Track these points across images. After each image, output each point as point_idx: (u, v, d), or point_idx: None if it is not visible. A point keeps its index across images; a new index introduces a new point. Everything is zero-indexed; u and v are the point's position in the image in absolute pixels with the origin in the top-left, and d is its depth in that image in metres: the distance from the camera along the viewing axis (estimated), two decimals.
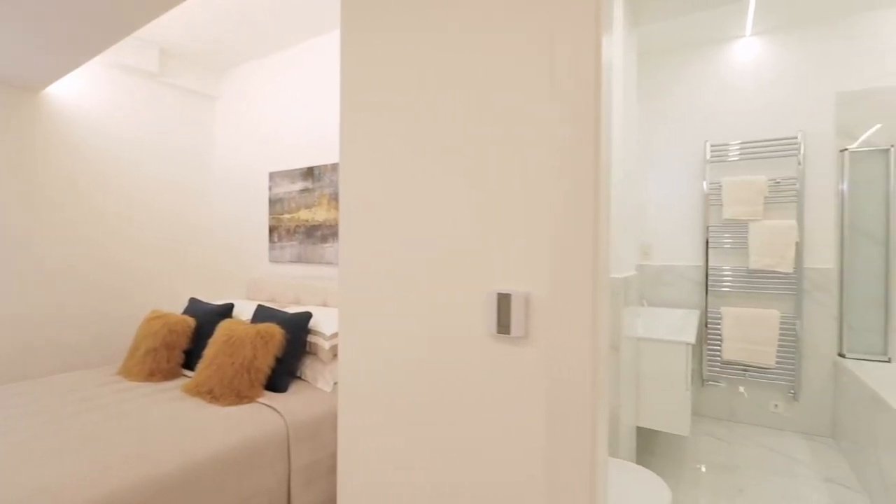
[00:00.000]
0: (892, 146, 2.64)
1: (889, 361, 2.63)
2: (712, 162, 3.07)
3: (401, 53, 0.92)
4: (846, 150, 2.73)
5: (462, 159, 0.84)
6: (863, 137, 2.71)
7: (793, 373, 2.85)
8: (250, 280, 2.93)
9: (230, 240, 3.24)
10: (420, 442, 0.90)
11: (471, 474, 0.83)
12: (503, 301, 0.77)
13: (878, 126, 2.67)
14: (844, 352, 2.73)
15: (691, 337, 2.11)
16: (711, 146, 3.07)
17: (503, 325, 0.77)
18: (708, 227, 3.08)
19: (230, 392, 1.74)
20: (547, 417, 0.75)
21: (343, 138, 1.01)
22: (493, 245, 0.81)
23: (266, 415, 1.65)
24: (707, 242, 3.08)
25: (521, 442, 0.78)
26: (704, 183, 3.08)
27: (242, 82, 3.21)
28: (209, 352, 1.88)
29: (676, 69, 3.25)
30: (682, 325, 2.51)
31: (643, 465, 2.41)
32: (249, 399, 1.75)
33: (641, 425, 2.17)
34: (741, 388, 3.01)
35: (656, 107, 3.30)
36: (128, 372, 2.10)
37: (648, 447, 2.63)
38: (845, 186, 2.74)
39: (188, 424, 1.53)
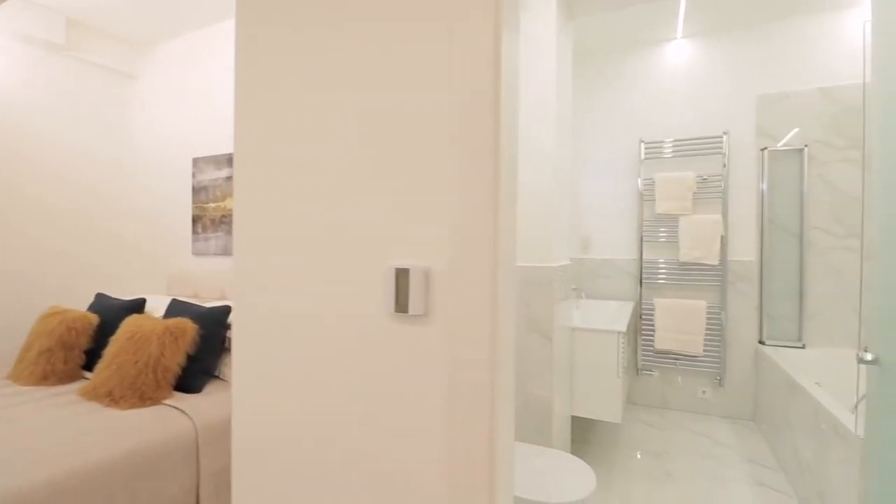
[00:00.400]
0: (806, 146, 2.83)
1: (803, 347, 2.82)
2: (647, 159, 3.17)
3: (295, 39, 0.83)
4: (766, 149, 2.90)
5: (359, 139, 0.77)
6: (785, 139, 2.88)
7: (718, 360, 2.99)
8: (171, 274, 2.70)
9: (150, 231, 2.99)
10: (318, 430, 0.81)
11: (371, 463, 0.76)
12: (401, 277, 0.70)
13: (796, 130, 2.86)
14: (764, 339, 2.90)
15: (622, 326, 2.14)
16: (646, 144, 3.17)
17: (401, 304, 0.71)
18: (642, 222, 3.18)
19: (132, 394, 1.57)
20: (447, 401, 0.69)
21: (237, 123, 0.91)
22: (392, 220, 0.74)
23: (172, 417, 1.50)
24: (641, 236, 3.18)
25: (422, 425, 0.71)
26: (639, 179, 3.18)
27: (164, 61, 2.97)
28: (110, 350, 1.69)
29: (613, 69, 3.33)
30: (616, 316, 2.56)
31: (579, 453, 2.44)
32: (154, 401, 1.58)
33: (576, 414, 2.18)
34: (679, 379, 3.13)
35: (594, 105, 3.37)
36: (17, 376, 1.86)
37: (585, 436, 2.67)
38: (765, 184, 2.90)
39: (77, 430, 1.36)
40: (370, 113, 0.76)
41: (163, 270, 2.90)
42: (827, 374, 2.66)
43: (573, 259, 3.40)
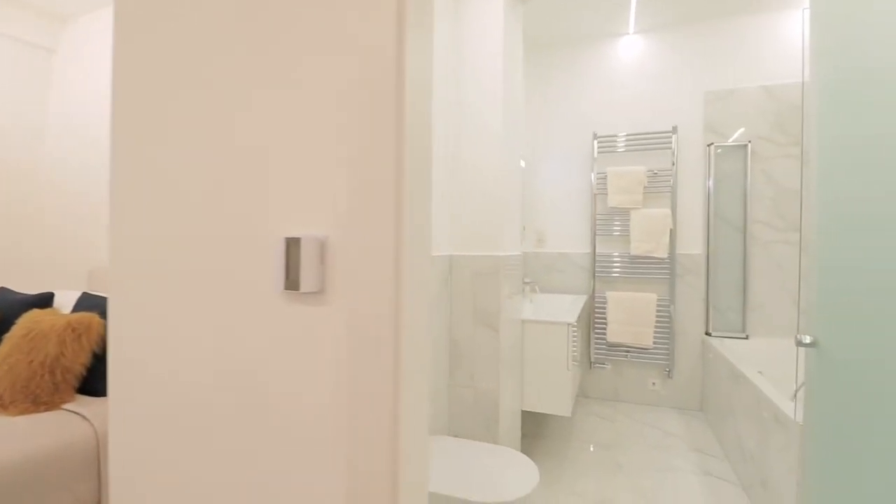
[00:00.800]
0: (750, 142, 2.90)
1: (747, 338, 2.89)
2: (600, 152, 3.18)
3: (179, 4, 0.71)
4: (712, 144, 2.96)
5: (246, 90, 0.66)
6: (731, 138, 2.95)
7: (668, 352, 3.03)
8: (92, 270, 2.46)
9: (68, 219, 2.72)
10: (201, 436, 0.70)
11: (264, 461, 0.65)
12: (292, 249, 0.60)
13: (742, 130, 2.93)
14: (710, 331, 2.96)
15: (573, 317, 2.11)
16: (599, 137, 3.18)
17: (292, 280, 0.60)
18: (595, 216, 3.18)
19: (24, 398, 1.38)
20: (345, 391, 0.59)
21: (114, 85, 0.78)
22: (283, 185, 0.63)
23: (70, 423, 1.32)
24: (594, 230, 3.18)
25: (320, 420, 0.61)
26: (593, 174, 3.18)
27: (86, 35, 2.71)
28: (2, 350, 1.49)
29: (567, 63, 3.32)
30: (568, 309, 2.54)
31: (531, 447, 2.39)
32: (50, 405, 1.40)
33: (527, 409, 2.13)
34: (630, 371, 3.15)
35: (548, 99, 3.35)
36: None
37: (537, 430, 2.63)
38: (711, 179, 2.96)
39: None
40: (256, 65, 0.65)
41: (80, 267, 2.64)
42: (768, 364, 2.73)
43: (528, 253, 3.37)
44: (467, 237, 1.81)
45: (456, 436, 1.79)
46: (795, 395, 2.51)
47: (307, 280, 0.59)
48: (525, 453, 2.33)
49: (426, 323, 0.64)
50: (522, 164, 3.14)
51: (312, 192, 0.61)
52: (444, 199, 1.79)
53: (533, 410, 2.12)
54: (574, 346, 2.33)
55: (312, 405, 0.61)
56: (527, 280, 2.99)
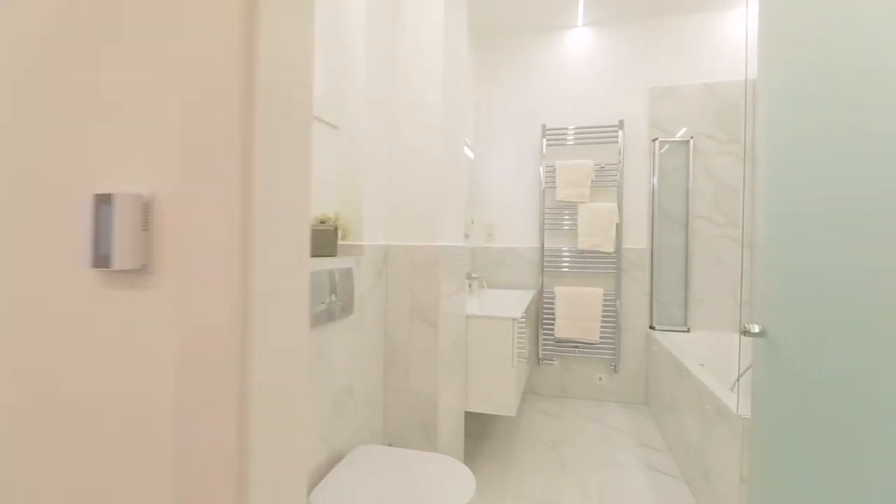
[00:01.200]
0: (692, 139, 2.94)
1: (688, 331, 2.93)
2: (549, 146, 3.13)
3: None
4: (656, 140, 2.97)
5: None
6: (679, 133, 2.97)
7: (614, 347, 3.03)
8: None
9: None
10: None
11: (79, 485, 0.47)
12: (102, 210, 0.43)
13: (684, 129, 2.96)
14: (654, 324, 2.97)
15: (518, 312, 2.01)
16: (548, 130, 3.12)
17: (101, 254, 0.43)
18: (544, 210, 3.12)
19: None
20: (174, 407, 0.43)
21: None
22: (97, 123, 0.46)
23: None
24: (543, 224, 3.12)
25: (143, 440, 0.45)
26: (541, 167, 3.12)
27: None
28: None
29: (516, 53, 3.25)
30: (515, 304, 2.45)
31: (476, 449, 2.28)
32: None
33: (470, 410, 2.01)
34: (577, 367, 3.11)
35: (498, 90, 3.26)
36: None
37: (483, 430, 2.52)
38: (655, 174, 2.98)
39: None
40: None
41: None
42: (709, 357, 2.78)
43: (477, 248, 3.27)
44: (405, 225, 1.67)
45: (391, 443, 1.64)
46: (735, 387, 2.56)
47: (123, 254, 0.43)
48: (469, 456, 2.21)
49: (302, 315, 0.48)
50: (470, 154, 3.03)
51: (136, 132, 0.44)
52: (381, 184, 1.64)
53: (477, 411, 2.01)
54: (521, 343, 2.24)
55: (132, 429, 0.44)
56: (475, 275, 2.89)
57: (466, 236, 3.03)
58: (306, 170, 0.51)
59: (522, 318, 2.22)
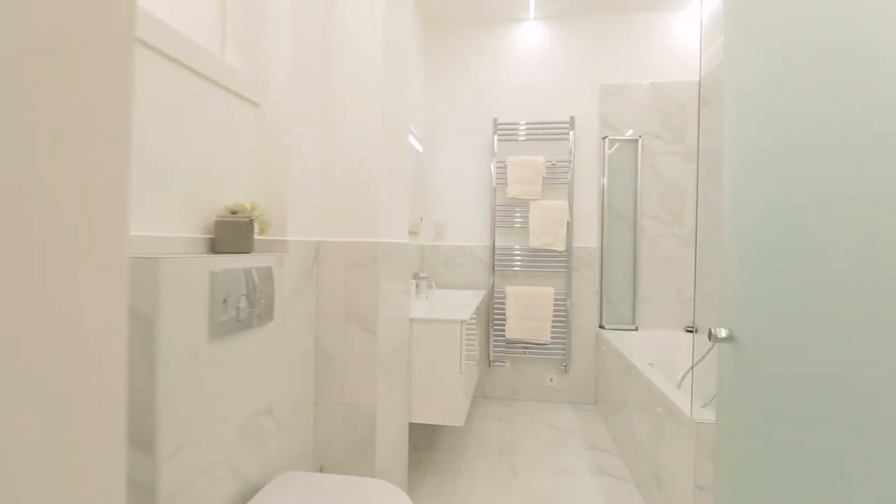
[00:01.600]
0: (640, 137, 2.94)
1: (636, 330, 2.93)
2: (501, 140, 3.03)
3: None
4: (606, 137, 2.95)
5: None
6: (629, 133, 2.96)
7: (564, 347, 2.98)
8: None
9: None
10: None
11: None
12: None
13: (631, 131, 2.95)
14: (604, 323, 2.95)
15: (466, 314, 1.88)
16: (500, 125, 3.02)
17: None
18: (495, 207, 3.02)
19: None
20: None
21: None
22: None
23: None
24: (494, 222, 3.02)
25: None
26: (493, 163, 3.01)
27: None
28: None
29: (468, 46, 3.12)
30: (465, 304, 2.32)
31: (422, 462, 2.13)
32: None
33: (415, 421, 1.86)
34: (528, 368, 3.04)
35: (449, 83, 3.13)
36: None
37: (431, 441, 2.38)
38: (605, 172, 2.96)
39: None
40: None
41: None
42: (657, 355, 2.78)
43: (427, 247, 3.13)
44: (341, 219, 1.48)
45: (322, 468, 1.46)
46: (681, 384, 2.56)
47: None
48: (415, 469, 2.06)
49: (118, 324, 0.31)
50: (418, 146, 2.87)
51: None
52: (312, 172, 1.45)
53: (422, 422, 1.86)
54: (470, 346, 2.11)
55: None
56: (423, 275, 2.74)
57: (414, 233, 2.87)
58: (124, 118, 0.33)
59: (472, 319, 2.09)
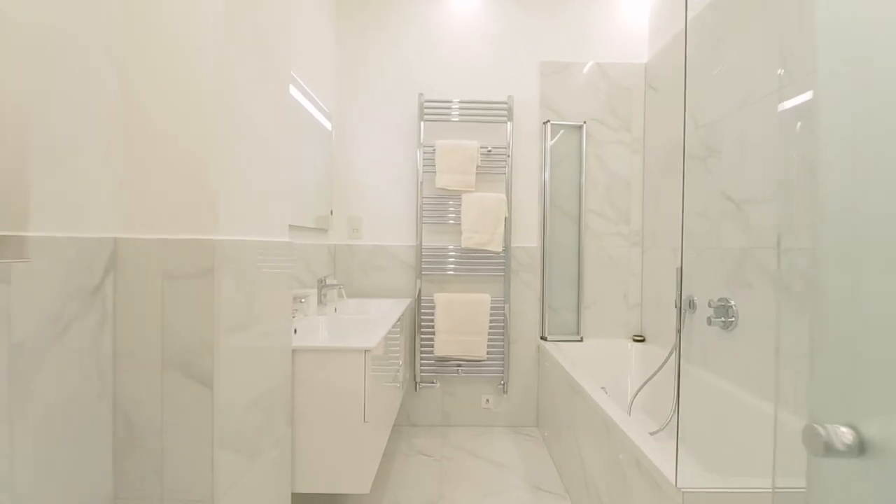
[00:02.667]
0: (585, 123, 2.60)
1: (581, 340, 2.59)
2: (429, 121, 2.56)
3: None
4: (548, 122, 2.58)
5: None
6: (571, 118, 2.59)
7: (502, 363, 2.57)
8: None
9: None
10: None
11: None
12: None
13: (577, 108, 2.60)
14: (546, 334, 2.58)
15: (374, 338, 1.38)
16: (427, 102, 2.55)
17: None
18: (422, 200, 2.55)
19: None
20: None
21: None
22: None
23: None
24: (420, 217, 2.55)
25: None
26: (419, 147, 2.53)
27: None
28: None
29: (394, 12, 2.62)
30: (384, 316, 1.82)
31: None
32: None
33: (302, 490, 1.33)
34: (486, 399, 2.59)
35: (365, 51, 2.61)
36: None
37: (334, 498, 1.85)
38: (547, 161, 2.59)
39: None
40: None
41: None
42: (603, 368, 2.45)
43: (340, 246, 2.58)
44: (153, 204, 0.93)
45: None
46: (631, 405, 2.23)
47: None
48: None
49: None
50: (326, 123, 2.33)
51: None
52: (96, 121, 0.88)
53: (312, 492, 1.33)
54: (385, 375, 1.62)
55: None
56: (332, 281, 2.20)
57: (322, 230, 2.33)
58: None
59: (394, 333, 1.60)
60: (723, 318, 1.82)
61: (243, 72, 1.03)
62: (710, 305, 1.85)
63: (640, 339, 2.57)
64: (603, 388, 1.84)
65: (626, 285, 2.63)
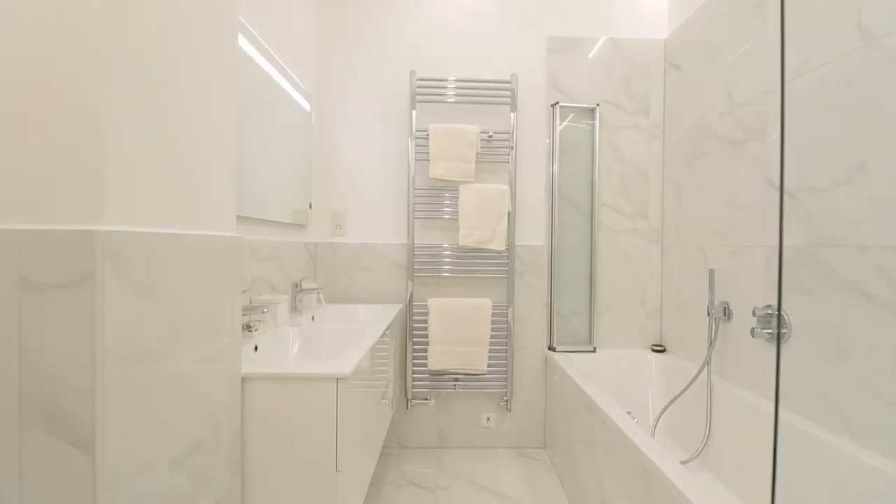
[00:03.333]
0: (598, 105, 2.31)
1: (594, 351, 2.30)
2: (422, 101, 2.26)
3: None
4: (557, 104, 2.29)
5: None
6: (582, 101, 2.30)
7: (505, 376, 2.27)
8: None
9: None
10: None
11: None
12: None
13: (597, 105, 2.31)
14: (555, 344, 2.29)
15: (349, 362, 1.08)
16: (420, 81, 2.25)
17: None
18: (414, 192, 2.25)
19: None
20: None
21: None
22: None
23: None
24: (412, 212, 2.25)
25: None
26: (411, 132, 2.23)
27: None
28: None
29: None
30: (369, 326, 1.51)
31: None
32: None
33: None
34: (487, 418, 2.29)
35: (352, 22, 2.30)
36: None
37: None
38: (556, 147, 2.29)
39: None
40: None
41: None
42: (621, 382, 2.17)
43: (320, 244, 2.28)
44: (13, 182, 0.63)
45: None
46: (655, 427, 1.94)
47: None
48: None
49: None
50: (304, 103, 2.03)
51: None
52: None
53: None
54: (381, 389, 1.33)
55: None
56: (308, 286, 1.90)
57: (300, 226, 2.02)
58: None
59: (382, 342, 1.29)
60: (769, 329, 1.54)
61: (157, 9, 0.73)
62: (753, 314, 1.57)
63: (659, 349, 2.29)
64: (629, 413, 1.55)
65: (643, 288, 2.35)
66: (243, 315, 1.34)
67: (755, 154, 1.66)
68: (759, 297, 1.62)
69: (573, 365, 2.05)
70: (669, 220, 2.28)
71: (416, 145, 2.22)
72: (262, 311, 1.31)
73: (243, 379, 1.01)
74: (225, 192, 0.96)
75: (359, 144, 2.30)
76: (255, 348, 1.30)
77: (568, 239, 2.32)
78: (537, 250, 2.32)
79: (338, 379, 1.02)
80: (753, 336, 1.56)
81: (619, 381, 2.18)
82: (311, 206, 2.16)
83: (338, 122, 2.29)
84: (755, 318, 1.57)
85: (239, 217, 1.51)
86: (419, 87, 2.24)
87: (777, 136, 1.54)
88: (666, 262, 2.31)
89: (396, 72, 2.29)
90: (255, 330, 1.39)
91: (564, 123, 2.32)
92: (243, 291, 1.35)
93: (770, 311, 1.54)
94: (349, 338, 1.52)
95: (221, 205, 0.95)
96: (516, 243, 2.29)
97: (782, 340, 1.49)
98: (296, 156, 1.98)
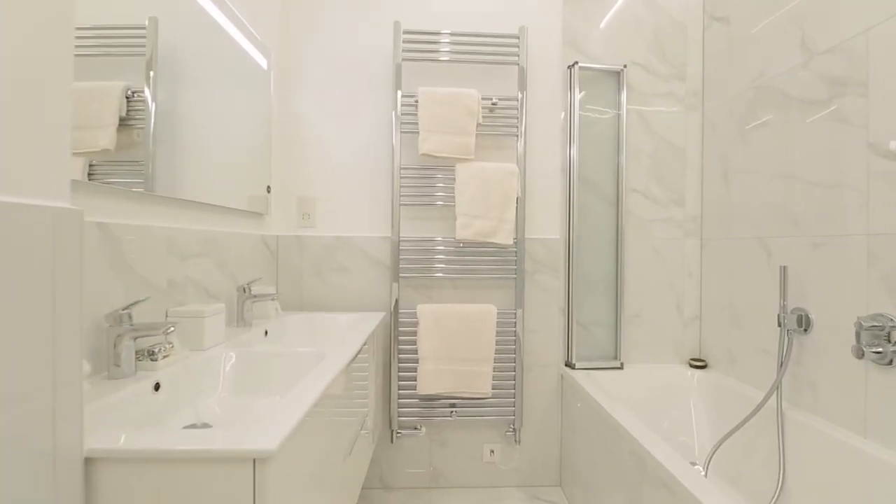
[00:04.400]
0: (625, 67, 1.89)
1: (621, 367, 1.88)
2: (409, 60, 1.82)
3: None
4: (576, 65, 1.87)
5: None
6: (606, 61, 1.88)
7: (513, 401, 1.85)
8: None
9: None
10: None
11: None
12: None
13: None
14: (573, 360, 1.86)
15: (282, 427, 0.64)
16: (407, 34, 1.81)
17: None
18: (399, 172, 1.81)
19: None
20: None
21: None
22: None
23: None
24: (397, 198, 1.81)
25: None
26: (396, 99, 1.79)
27: None
28: None
29: None
30: (340, 349, 1.08)
31: None
32: None
33: None
34: (491, 451, 1.87)
35: None
36: None
37: None
38: (574, 119, 1.87)
39: None
40: None
41: None
42: (657, 410, 1.76)
43: (284, 237, 1.84)
44: None
45: None
46: (708, 465, 1.53)
47: None
48: None
49: None
50: (261, 60, 1.58)
51: None
52: None
53: None
54: (359, 418, 0.89)
55: None
56: (263, 290, 1.45)
57: (257, 214, 1.58)
58: None
59: (362, 359, 0.86)
60: (880, 349, 1.13)
61: None
62: (859, 328, 1.16)
63: (699, 364, 1.88)
64: (694, 463, 1.14)
65: (680, 290, 1.94)
66: (142, 337, 0.90)
67: (849, 113, 1.25)
68: (856, 304, 1.22)
69: (597, 385, 1.64)
70: (712, 207, 1.87)
71: (401, 114, 1.79)
72: (167, 332, 0.87)
73: (87, 461, 0.57)
74: (45, 137, 0.52)
75: (330, 113, 1.85)
76: (157, 387, 0.87)
77: (589, 231, 1.91)
78: (552, 245, 1.90)
79: (255, 459, 0.58)
80: (860, 357, 1.15)
81: (655, 406, 1.77)
82: (269, 190, 1.71)
83: (304, 84, 1.85)
84: (857, 333, 1.16)
85: (158, 197, 1.07)
86: (406, 41, 1.80)
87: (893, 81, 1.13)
88: (707, 258, 1.90)
89: (378, 23, 1.85)
90: (164, 357, 0.95)
91: (584, 87, 1.90)
92: (133, 304, 0.90)
93: (881, 325, 1.13)
94: (306, 364, 1.09)
95: (31, 156, 0.51)
96: (526, 236, 1.87)
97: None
98: (249, 126, 1.54)
